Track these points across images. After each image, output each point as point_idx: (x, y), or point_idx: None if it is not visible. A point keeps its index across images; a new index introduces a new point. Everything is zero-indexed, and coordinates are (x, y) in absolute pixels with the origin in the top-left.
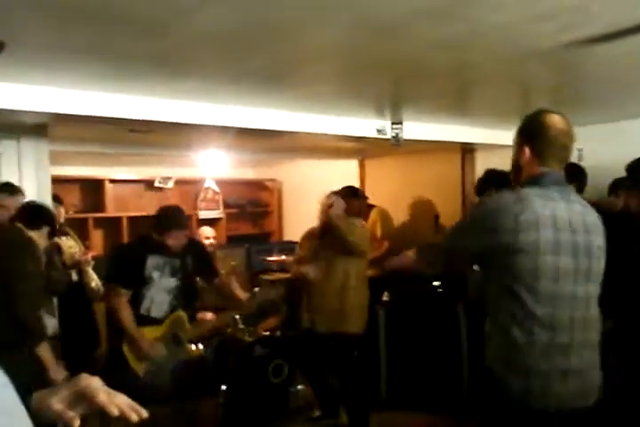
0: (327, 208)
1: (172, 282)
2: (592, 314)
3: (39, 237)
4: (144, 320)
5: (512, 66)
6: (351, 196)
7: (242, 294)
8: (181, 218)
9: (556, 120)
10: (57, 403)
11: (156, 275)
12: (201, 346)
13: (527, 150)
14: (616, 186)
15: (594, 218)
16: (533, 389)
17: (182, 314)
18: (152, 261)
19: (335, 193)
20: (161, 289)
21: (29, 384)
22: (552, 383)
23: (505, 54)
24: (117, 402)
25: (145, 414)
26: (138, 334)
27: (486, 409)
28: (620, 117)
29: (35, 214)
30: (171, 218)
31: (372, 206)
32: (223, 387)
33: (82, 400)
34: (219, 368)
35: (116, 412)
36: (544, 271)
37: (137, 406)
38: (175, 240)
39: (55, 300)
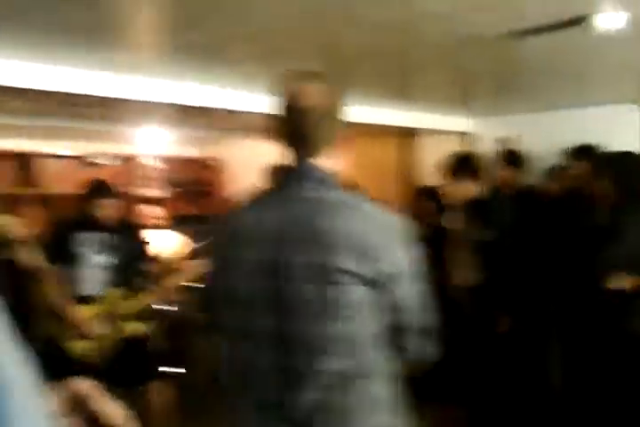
0: None
1: (105, 259)
2: None
3: None
4: (79, 299)
5: (449, 53)
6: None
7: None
8: (105, 188)
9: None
10: None
11: (85, 252)
12: (144, 325)
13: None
14: (552, 172)
15: None
16: None
17: (117, 291)
18: (81, 237)
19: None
20: (93, 266)
21: None
22: None
23: (442, 41)
24: None
25: None
26: (69, 312)
27: None
28: (555, 107)
29: None
30: (94, 188)
31: None
32: (182, 370)
33: None
34: (171, 350)
35: None
36: None
37: None
38: (102, 210)
39: None
